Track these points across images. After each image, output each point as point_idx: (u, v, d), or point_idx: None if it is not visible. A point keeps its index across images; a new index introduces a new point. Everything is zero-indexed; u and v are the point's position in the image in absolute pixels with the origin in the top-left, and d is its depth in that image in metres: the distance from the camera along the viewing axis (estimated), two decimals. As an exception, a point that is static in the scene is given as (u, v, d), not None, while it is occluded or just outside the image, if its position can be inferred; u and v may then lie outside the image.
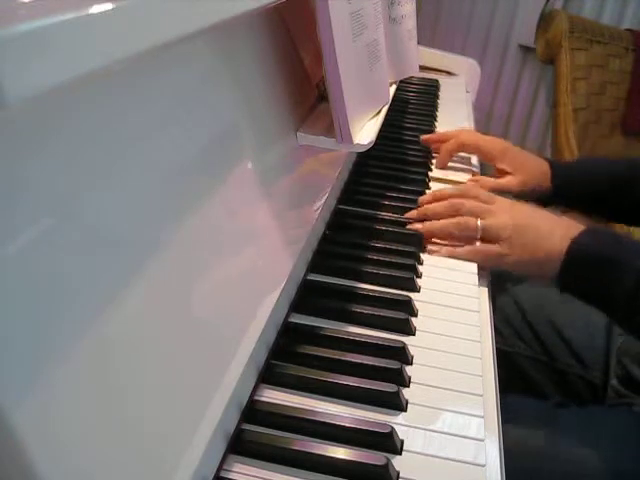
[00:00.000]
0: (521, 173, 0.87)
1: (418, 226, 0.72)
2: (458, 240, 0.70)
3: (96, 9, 0.25)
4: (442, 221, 0.70)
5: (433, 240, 0.71)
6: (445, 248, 0.69)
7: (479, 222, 0.68)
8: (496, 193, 0.76)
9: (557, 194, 0.87)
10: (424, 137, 0.98)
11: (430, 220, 0.72)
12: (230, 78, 0.47)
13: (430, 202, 0.74)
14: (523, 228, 0.66)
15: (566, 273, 0.64)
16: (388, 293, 0.59)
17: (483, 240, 0.68)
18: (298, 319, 0.55)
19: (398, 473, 0.41)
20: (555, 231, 0.65)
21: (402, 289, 0.61)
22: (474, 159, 0.97)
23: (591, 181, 0.88)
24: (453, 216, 0.70)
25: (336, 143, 0.56)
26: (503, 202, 0.71)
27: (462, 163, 0.95)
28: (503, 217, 0.68)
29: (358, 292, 0.59)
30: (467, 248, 0.68)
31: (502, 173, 0.88)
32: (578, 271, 0.63)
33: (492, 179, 0.88)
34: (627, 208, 0.88)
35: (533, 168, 0.88)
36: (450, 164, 0.94)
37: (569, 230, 0.65)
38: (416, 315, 0.58)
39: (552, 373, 0.84)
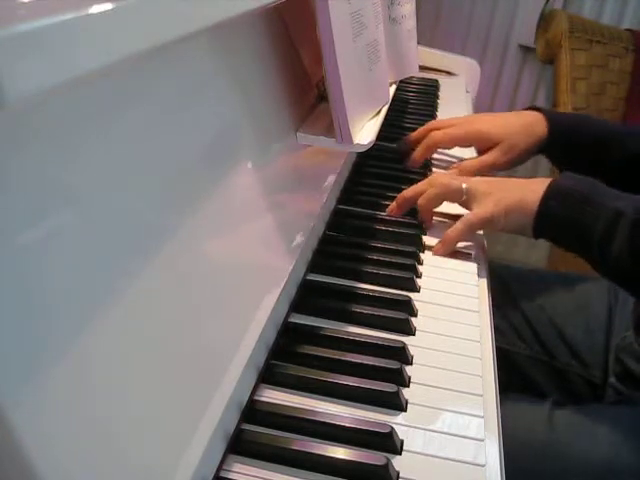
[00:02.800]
0: (501, 139, 0.84)
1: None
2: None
3: (96, 9, 0.25)
4: (428, 191, 0.71)
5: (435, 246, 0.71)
6: (444, 237, 0.70)
7: (464, 185, 0.69)
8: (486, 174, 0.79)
9: (554, 140, 0.85)
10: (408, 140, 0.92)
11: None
12: (230, 78, 0.47)
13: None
14: (502, 184, 0.69)
15: (544, 212, 0.65)
16: (388, 293, 0.59)
17: (466, 205, 0.70)
18: (298, 319, 0.55)
19: (398, 473, 0.41)
20: (533, 183, 0.68)
21: (402, 289, 0.61)
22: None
23: (590, 131, 0.86)
24: None
25: (336, 143, 0.56)
26: (476, 177, 0.74)
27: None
28: (482, 181, 0.71)
29: (358, 292, 0.59)
30: (460, 222, 0.69)
31: (485, 151, 0.86)
32: (555, 209, 0.64)
33: (474, 160, 0.86)
34: (618, 173, 0.85)
35: (514, 130, 0.84)
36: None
37: (543, 182, 0.67)
38: (416, 315, 0.58)
39: (552, 372, 0.84)
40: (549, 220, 0.66)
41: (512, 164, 0.86)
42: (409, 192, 0.73)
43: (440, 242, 0.69)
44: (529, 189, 0.67)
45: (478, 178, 0.73)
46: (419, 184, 0.74)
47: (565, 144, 0.85)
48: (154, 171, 0.36)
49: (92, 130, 0.31)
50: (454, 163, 0.91)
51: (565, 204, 0.64)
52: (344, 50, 0.53)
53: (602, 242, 0.62)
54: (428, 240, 0.72)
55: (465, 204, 0.70)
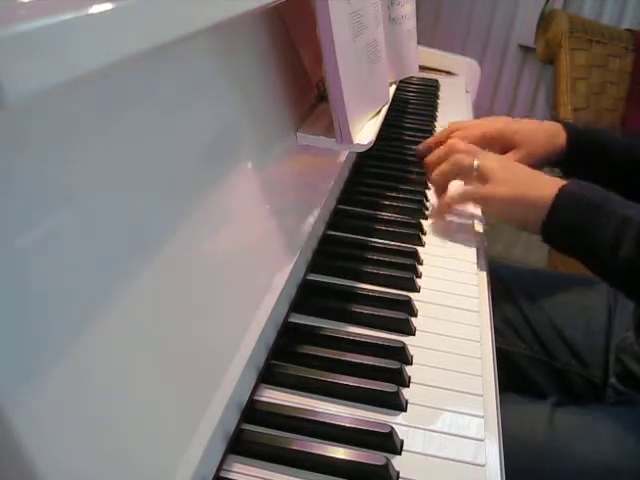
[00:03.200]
0: (522, 146, 0.83)
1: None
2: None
3: (96, 9, 0.25)
4: (441, 166, 0.73)
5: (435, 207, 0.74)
6: (441, 200, 0.72)
7: (476, 162, 0.69)
8: None
9: (572, 154, 0.84)
10: (419, 149, 0.90)
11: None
12: (230, 78, 0.47)
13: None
14: (514, 170, 0.69)
15: (552, 217, 0.65)
16: (388, 293, 0.59)
17: (478, 181, 0.70)
18: (298, 319, 0.55)
19: (398, 473, 0.41)
20: (543, 180, 0.67)
21: (402, 289, 0.61)
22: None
23: (611, 144, 0.84)
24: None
25: (336, 143, 0.56)
26: (491, 153, 0.74)
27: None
28: (492, 160, 0.71)
29: (358, 292, 0.59)
30: (460, 191, 0.70)
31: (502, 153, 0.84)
32: (564, 216, 0.64)
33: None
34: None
35: (534, 138, 0.84)
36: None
37: (557, 181, 0.67)
38: (416, 315, 0.58)
39: (552, 372, 0.84)
40: (559, 225, 0.65)
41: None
42: (432, 158, 0.77)
43: (438, 205, 0.72)
44: (539, 185, 0.67)
45: (491, 156, 0.73)
46: (432, 156, 0.77)
47: (582, 160, 0.85)
48: (154, 171, 0.36)
49: (92, 130, 0.31)
50: None
51: (576, 210, 0.64)
52: (344, 50, 0.53)
53: (609, 248, 0.62)
54: (428, 240, 0.72)
55: (475, 180, 0.70)
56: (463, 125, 0.88)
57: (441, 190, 0.75)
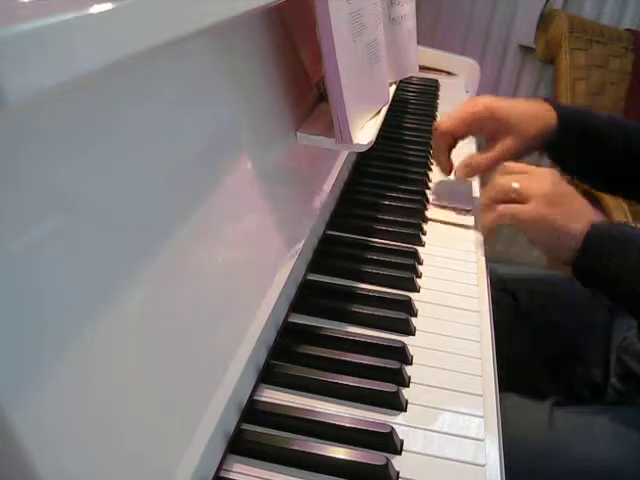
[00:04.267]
0: (515, 129, 0.80)
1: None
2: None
3: (96, 9, 0.25)
4: (487, 196, 0.72)
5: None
6: (483, 224, 0.71)
7: (515, 185, 0.68)
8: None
9: (562, 137, 0.81)
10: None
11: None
12: (230, 78, 0.47)
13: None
14: (555, 195, 0.67)
15: (582, 256, 0.63)
16: (388, 293, 0.59)
17: (515, 202, 0.68)
18: (298, 319, 0.55)
19: (398, 473, 0.41)
20: (584, 211, 0.66)
21: (402, 289, 0.61)
22: (475, 190, 0.87)
23: (599, 125, 0.82)
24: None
25: (336, 143, 0.56)
26: (538, 171, 0.71)
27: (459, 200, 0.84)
28: (537, 182, 0.68)
29: (358, 292, 0.59)
30: (495, 211, 0.68)
31: (492, 137, 0.82)
32: (596, 251, 0.63)
33: (485, 156, 0.81)
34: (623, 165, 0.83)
35: (527, 117, 0.80)
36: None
37: (591, 215, 0.65)
38: (416, 315, 0.58)
39: (552, 372, 0.84)
40: (585, 268, 0.65)
41: (524, 153, 0.83)
42: (487, 201, 0.73)
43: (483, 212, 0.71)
44: (580, 217, 0.65)
45: (530, 174, 0.70)
46: (486, 197, 0.73)
47: (573, 135, 0.83)
48: (154, 171, 0.36)
49: (92, 130, 0.31)
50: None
51: (606, 248, 0.63)
52: (344, 50, 0.53)
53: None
54: (428, 240, 0.72)
55: (514, 202, 0.69)
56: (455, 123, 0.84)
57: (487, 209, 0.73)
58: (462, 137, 0.85)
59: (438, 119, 1.12)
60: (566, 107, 0.84)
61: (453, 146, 0.85)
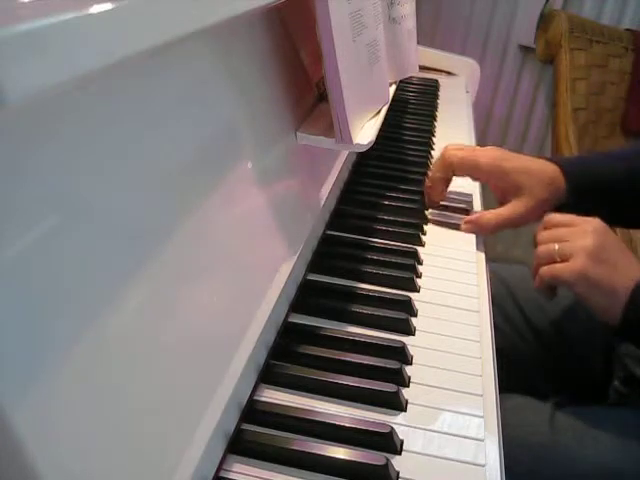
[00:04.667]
0: (527, 189, 0.74)
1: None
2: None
3: (96, 9, 0.25)
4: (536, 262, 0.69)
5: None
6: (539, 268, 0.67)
7: (556, 246, 0.66)
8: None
9: (573, 199, 0.76)
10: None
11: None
12: (230, 78, 0.47)
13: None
14: (598, 250, 0.63)
15: (628, 316, 0.61)
16: (388, 293, 0.59)
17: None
18: (298, 319, 0.55)
19: (398, 473, 0.41)
20: (630, 266, 0.63)
21: (402, 289, 0.61)
22: (474, 192, 0.85)
23: (609, 179, 0.78)
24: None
25: (336, 143, 0.56)
26: (582, 223, 0.67)
27: (457, 201, 0.82)
28: (580, 237, 0.65)
29: (358, 292, 0.59)
30: (547, 270, 0.65)
31: (502, 196, 0.77)
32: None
33: (494, 214, 0.76)
34: None
35: (539, 175, 0.75)
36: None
37: (637, 269, 0.62)
38: (416, 315, 0.58)
39: (553, 373, 0.84)
40: (631, 329, 0.62)
41: (534, 220, 0.77)
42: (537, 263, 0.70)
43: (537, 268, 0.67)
44: (624, 272, 0.63)
45: (573, 226, 0.67)
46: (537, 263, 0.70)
47: (583, 202, 0.78)
48: (154, 171, 0.36)
49: (92, 130, 0.31)
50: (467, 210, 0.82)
51: None
52: (344, 50, 0.53)
53: None
54: (428, 240, 0.72)
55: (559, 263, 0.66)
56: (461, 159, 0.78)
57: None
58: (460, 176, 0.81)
59: (436, 122, 1.12)
60: (575, 172, 0.78)
61: (451, 179, 0.79)
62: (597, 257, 0.63)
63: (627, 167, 0.78)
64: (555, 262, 0.66)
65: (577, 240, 0.65)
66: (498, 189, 0.77)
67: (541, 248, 0.67)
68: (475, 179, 0.81)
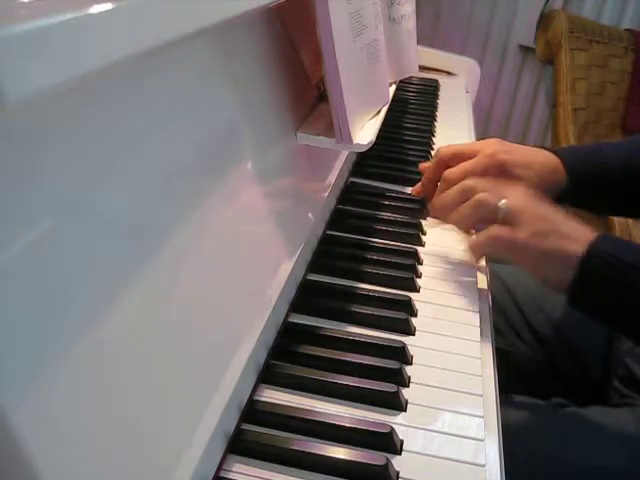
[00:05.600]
0: (525, 178, 0.72)
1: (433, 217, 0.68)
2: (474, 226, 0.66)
3: (96, 9, 0.25)
4: (460, 208, 0.63)
5: None
6: (472, 247, 0.63)
7: (499, 202, 0.60)
8: None
9: (572, 189, 0.75)
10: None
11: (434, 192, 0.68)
12: (230, 78, 0.47)
13: (433, 174, 0.72)
14: (544, 213, 0.60)
15: (582, 279, 0.57)
16: (388, 293, 0.59)
17: (505, 224, 0.60)
18: (298, 319, 0.55)
19: (398, 473, 0.41)
20: (573, 229, 0.59)
21: (402, 289, 0.61)
22: None
23: (608, 169, 0.76)
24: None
25: (336, 143, 0.56)
26: (517, 189, 0.63)
27: None
28: (520, 201, 0.61)
29: (358, 292, 0.59)
30: (484, 235, 0.61)
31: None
32: (595, 277, 0.57)
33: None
34: None
35: (539, 168, 0.74)
36: None
37: (585, 234, 0.59)
38: (416, 315, 0.58)
39: (552, 373, 0.84)
40: (583, 296, 0.59)
41: None
42: (439, 203, 0.67)
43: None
44: (575, 238, 0.58)
45: (516, 193, 0.62)
46: (448, 195, 0.66)
47: (583, 193, 0.77)
48: (154, 171, 0.36)
49: (92, 130, 0.31)
50: None
51: (607, 273, 0.56)
52: (344, 50, 0.53)
53: None
54: (428, 240, 0.72)
55: (501, 223, 0.61)
56: (455, 151, 0.76)
57: (466, 232, 0.67)
58: None
59: (436, 122, 1.11)
60: (575, 164, 0.76)
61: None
62: (546, 223, 0.59)
63: (626, 157, 0.77)
64: (495, 218, 0.61)
65: (521, 202, 0.60)
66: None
67: (482, 196, 0.62)
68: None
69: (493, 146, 0.75)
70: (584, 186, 0.76)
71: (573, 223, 0.61)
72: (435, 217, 0.71)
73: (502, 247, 0.60)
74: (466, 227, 0.67)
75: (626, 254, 0.57)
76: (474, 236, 0.62)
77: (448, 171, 0.72)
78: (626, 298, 0.57)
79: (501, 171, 0.73)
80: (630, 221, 1.37)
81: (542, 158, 0.75)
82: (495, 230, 0.60)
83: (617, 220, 1.35)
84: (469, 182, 0.65)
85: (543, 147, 0.78)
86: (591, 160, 0.77)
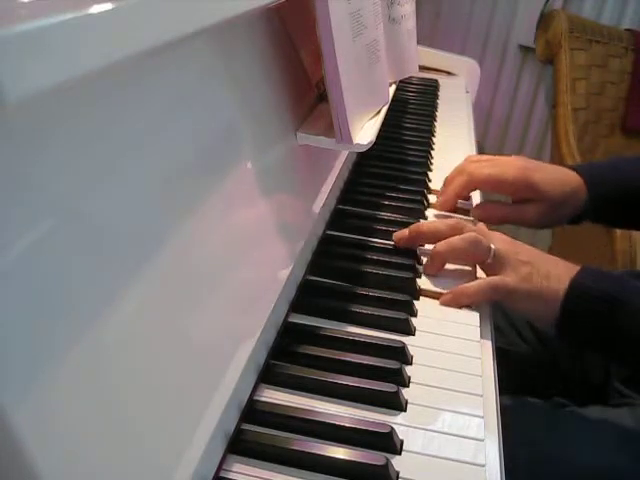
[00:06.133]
0: (544, 198, 0.74)
1: (428, 262, 0.65)
2: (465, 263, 0.66)
3: (96, 9, 0.25)
4: (452, 238, 0.63)
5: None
6: (460, 288, 0.61)
7: (492, 245, 0.62)
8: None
9: (594, 208, 0.77)
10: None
11: (420, 242, 0.67)
12: (230, 78, 0.47)
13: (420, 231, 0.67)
14: (526, 263, 0.61)
15: (566, 314, 0.59)
16: (388, 293, 0.59)
17: (488, 269, 0.62)
18: (298, 319, 0.55)
19: (398, 473, 0.41)
20: (553, 270, 0.61)
21: (402, 289, 0.61)
22: (474, 194, 0.83)
23: (627, 186, 0.77)
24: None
25: (336, 143, 0.56)
26: (497, 234, 0.65)
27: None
28: (505, 246, 0.63)
29: (358, 292, 0.59)
30: (485, 282, 0.61)
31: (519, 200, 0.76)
32: (579, 310, 0.58)
33: (506, 207, 0.77)
34: None
35: (561, 189, 0.74)
36: None
37: (566, 270, 0.60)
38: (416, 315, 0.58)
39: (552, 373, 0.84)
40: (570, 329, 0.60)
41: (547, 227, 0.79)
42: (428, 227, 0.66)
43: (451, 292, 0.61)
44: (557, 276, 0.60)
45: (504, 240, 0.64)
46: (440, 223, 0.66)
47: (605, 213, 0.79)
48: (153, 171, 0.36)
49: (92, 130, 0.31)
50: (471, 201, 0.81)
51: (588, 308, 0.58)
52: (344, 50, 0.53)
53: (634, 343, 0.58)
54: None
55: (487, 267, 0.62)
56: (481, 162, 0.79)
57: (440, 265, 0.65)
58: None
59: (436, 122, 1.11)
60: (597, 186, 0.77)
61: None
62: (531, 266, 0.60)
63: None
64: (484, 260, 0.62)
65: (508, 247, 0.62)
66: (520, 199, 0.76)
67: (477, 236, 0.62)
68: (501, 193, 0.79)
69: (520, 162, 0.76)
70: (604, 203, 0.77)
71: (554, 262, 0.62)
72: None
73: (499, 294, 0.61)
74: (450, 260, 0.65)
75: (607, 285, 0.59)
76: (470, 283, 0.61)
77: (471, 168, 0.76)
78: (610, 329, 0.58)
79: (530, 189, 0.74)
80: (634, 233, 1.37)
81: (565, 176, 0.76)
82: (495, 278, 0.61)
83: (619, 232, 1.35)
84: (458, 221, 0.66)
85: (562, 164, 0.80)
86: (610, 177, 0.78)
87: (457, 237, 0.63)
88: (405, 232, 0.67)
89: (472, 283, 0.61)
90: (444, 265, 0.65)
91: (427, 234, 0.66)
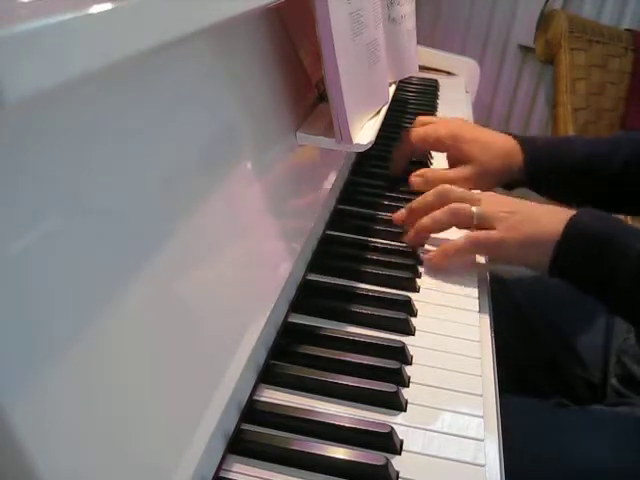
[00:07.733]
0: (477, 159, 0.77)
1: (411, 234, 0.67)
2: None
3: (96, 9, 0.25)
4: (434, 212, 0.65)
5: (426, 248, 0.68)
6: (442, 246, 0.65)
7: (473, 208, 0.64)
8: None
9: (529, 174, 0.79)
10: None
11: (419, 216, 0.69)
12: (230, 78, 0.47)
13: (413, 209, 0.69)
14: (514, 213, 0.63)
15: (562, 252, 0.59)
16: (388, 293, 0.59)
17: (480, 229, 0.63)
18: (298, 319, 0.55)
19: (398, 473, 0.41)
20: (545, 215, 0.62)
21: (402, 289, 0.61)
22: None
23: (570, 157, 0.79)
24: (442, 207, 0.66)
25: (336, 143, 0.56)
26: (487, 194, 0.67)
27: None
28: (492, 204, 0.64)
29: (358, 292, 0.59)
30: (465, 238, 0.63)
31: (453, 162, 0.81)
32: (575, 250, 0.59)
33: (447, 172, 0.79)
34: (609, 191, 0.80)
35: (492, 152, 0.78)
36: None
37: (561, 213, 0.61)
38: (416, 315, 0.58)
39: (552, 373, 0.84)
40: (568, 262, 0.60)
41: (482, 185, 0.80)
42: (418, 203, 0.68)
43: (437, 250, 0.64)
44: (548, 221, 0.61)
45: (490, 198, 0.66)
46: (428, 195, 0.68)
47: (542, 181, 0.80)
48: (153, 171, 0.36)
49: (92, 130, 0.31)
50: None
51: (586, 245, 0.59)
52: (344, 50, 0.53)
53: (627, 285, 0.58)
54: (428, 239, 0.72)
55: (479, 229, 0.64)
56: (427, 121, 0.84)
57: (423, 236, 0.68)
58: (422, 152, 0.88)
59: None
60: (535, 149, 0.80)
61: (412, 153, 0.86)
62: (520, 217, 0.62)
63: (588, 151, 0.79)
64: (469, 225, 0.64)
65: (493, 206, 0.64)
66: (452, 158, 0.81)
67: (457, 205, 0.64)
68: (437, 151, 0.86)
69: (453, 121, 0.82)
70: (542, 175, 0.80)
71: (546, 208, 0.64)
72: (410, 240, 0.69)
73: (481, 247, 0.64)
74: (437, 232, 0.68)
75: (606, 224, 0.60)
76: (456, 241, 0.64)
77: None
78: (608, 268, 0.58)
79: (459, 146, 0.79)
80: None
81: (500, 141, 0.80)
82: (473, 233, 0.63)
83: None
84: (444, 188, 0.68)
85: (509, 133, 0.82)
86: (550, 150, 0.81)
87: (438, 211, 0.65)
88: (403, 212, 0.70)
89: (453, 241, 0.64)
90: (428, 237, 0.68)
91: (420, 209, 0.68)
